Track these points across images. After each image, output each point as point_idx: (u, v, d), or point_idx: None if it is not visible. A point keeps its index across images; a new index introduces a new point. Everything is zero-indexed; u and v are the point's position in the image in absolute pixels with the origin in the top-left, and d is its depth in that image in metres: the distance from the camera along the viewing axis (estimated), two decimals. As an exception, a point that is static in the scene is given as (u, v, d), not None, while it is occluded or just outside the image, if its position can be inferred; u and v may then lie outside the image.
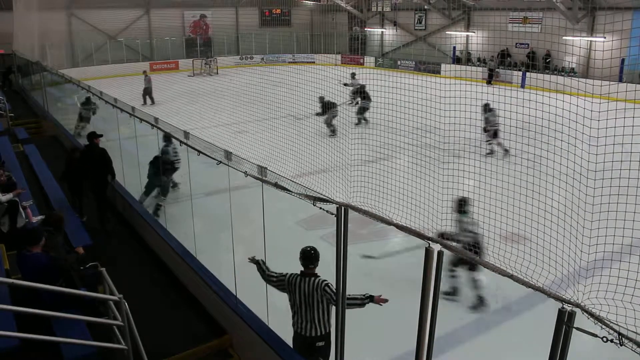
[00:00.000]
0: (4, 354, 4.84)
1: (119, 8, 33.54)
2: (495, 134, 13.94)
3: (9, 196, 7.70)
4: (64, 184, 9.85)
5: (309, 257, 5.04)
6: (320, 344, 5.14)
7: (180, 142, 7.38)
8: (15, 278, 5.44)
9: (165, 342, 5.83)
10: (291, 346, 5.33)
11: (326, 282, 4.97)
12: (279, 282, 5.24)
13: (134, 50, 35.31)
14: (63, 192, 10.00)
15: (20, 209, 7.94)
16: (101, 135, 9.68)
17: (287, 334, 5.50)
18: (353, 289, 4.58)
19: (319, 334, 5.09)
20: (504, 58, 28.94)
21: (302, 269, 5.09)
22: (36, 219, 8.16)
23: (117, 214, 10.01)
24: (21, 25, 25.44)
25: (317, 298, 4.98)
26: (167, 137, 9.30)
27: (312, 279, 5.00)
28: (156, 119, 8.56)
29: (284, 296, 6.82)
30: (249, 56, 37.76)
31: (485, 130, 13.97)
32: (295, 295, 5.08)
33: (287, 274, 5.19)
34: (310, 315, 5.05)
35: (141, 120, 9.19)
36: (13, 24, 26.48)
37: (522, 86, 26.16)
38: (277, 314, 5.85)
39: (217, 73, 31.91)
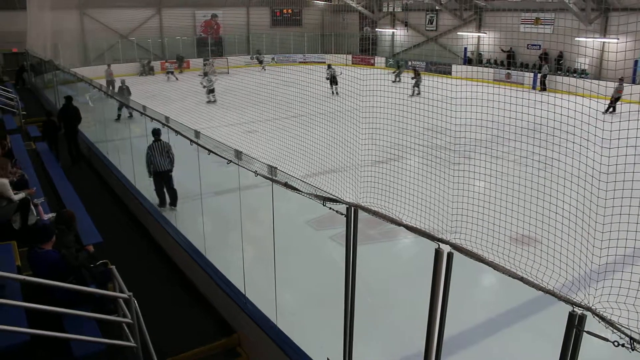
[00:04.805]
0: (15, 349, 4.89)
1: (131, 7, 33.81)
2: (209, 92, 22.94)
3: (21, 195, 7.75)
4: (45, 140, 13.36)
5: (157, 133, 9.78)
6: (171, 173, 10.01)
7: (191, 141, 7.43)
8: (27, 275, 5.48)
9: (174, 340, 5.86)
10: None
11: (170, 145, 9.79)
12: (148, 157, 9.97)
13: (145, 50, 35.51)
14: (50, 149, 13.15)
15: (32, 207, 8.00)
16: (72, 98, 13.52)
17: (295, 334, 5.51)
18: (362, 288, 4.57)
19: (169, 168, 9.94)
20: (512, 59, 28.74)
21: (153, 139, 9.85)
22: (47, 216, 8.21)
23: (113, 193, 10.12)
24: (34, 24, 25.70)
25: (166, 150, 9.80)
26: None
27: (162, 142, 9.83)
28: (167, 118, 8.62)
29: (294, 296, 6.83)
30: (259, 56, 37.83)
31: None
32: (155, 152, 9.79)
33: (147, 149, 9.93)
34: (164, 160, 9.82)
35: (152, 119, 9.25)
36: (27, 23, 26.74)
37: (534, 87, 26.02)
38: (285, 313, 5.86)
39: (228, 72, 31.96)
